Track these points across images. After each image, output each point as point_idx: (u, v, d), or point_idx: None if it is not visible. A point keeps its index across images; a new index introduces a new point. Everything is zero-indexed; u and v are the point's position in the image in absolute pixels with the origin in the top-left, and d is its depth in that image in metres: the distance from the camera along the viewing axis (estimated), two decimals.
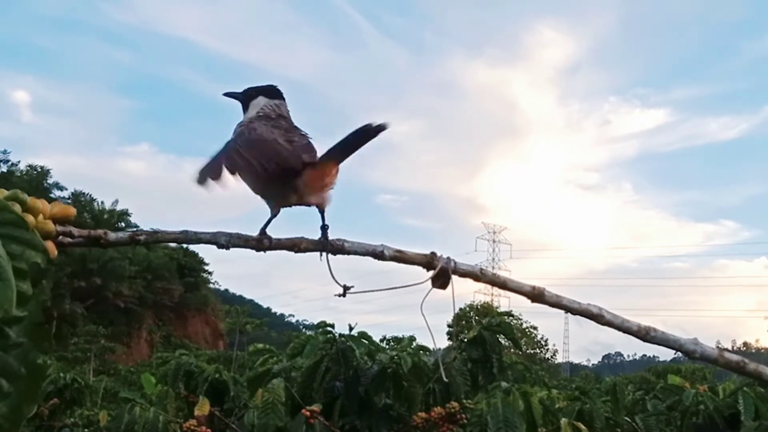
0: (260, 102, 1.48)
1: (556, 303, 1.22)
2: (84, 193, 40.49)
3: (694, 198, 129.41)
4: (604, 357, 78.66)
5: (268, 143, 1.25)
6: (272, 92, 1.51)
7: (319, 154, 1.26)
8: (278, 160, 1.19)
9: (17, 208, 0.88)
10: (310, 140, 1.34)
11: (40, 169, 38.18)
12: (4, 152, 37.45)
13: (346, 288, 1.22)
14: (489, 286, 1.29)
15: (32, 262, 0.78)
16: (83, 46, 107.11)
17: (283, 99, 1.51)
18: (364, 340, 3.17)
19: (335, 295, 1.21)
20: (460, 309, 36.90)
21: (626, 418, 3.30)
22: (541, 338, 43.95)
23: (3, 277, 0.73)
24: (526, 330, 41.91)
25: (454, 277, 1.23)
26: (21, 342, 0.79)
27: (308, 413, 2.79)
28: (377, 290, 1.31)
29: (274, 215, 1.28)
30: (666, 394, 3.48)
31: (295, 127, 1.42)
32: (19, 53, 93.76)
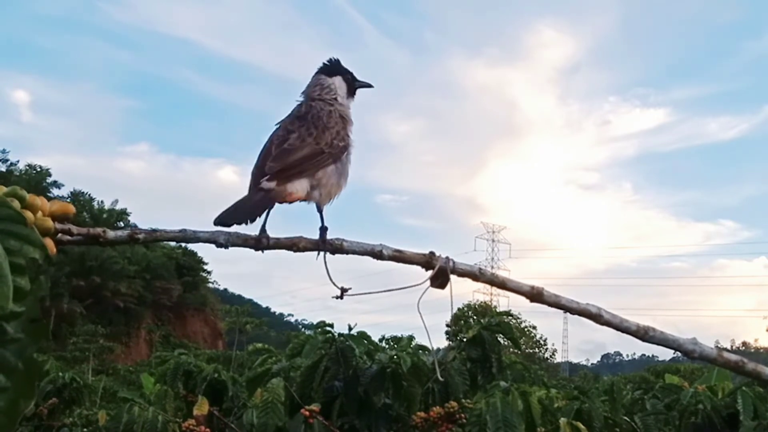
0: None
1: (555, 303, 1.21)
2: (83, 193, 40.41)
3: (693, 198, 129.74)
4: (603, 356, 78.69)
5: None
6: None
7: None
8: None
9: (16, 204, 0.88)
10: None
11: (39, 169, 38.12)
12: (3, 151, 37.38)
13: (343, 290, 1.22)
14: (488, 286, 1.28)
15: (30, 258, 0.78)
16: (83, 46, 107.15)
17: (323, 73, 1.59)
18: (364, 340, 3.17)
19: (333, 297, 1.21)
20: (459, 309, 36.92)
21: (625, 418, 3.30)
22: (540, 338, 43.89)
23: (0, 273, 0.73)
24: (525, 329, 41.83)
25: (453, 277, 1.23)
26: (18, 337, 0.79)
27: (307, 413, 2.79)
28: (375, 292, 1.30)
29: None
30: (664, 394, 3.47)
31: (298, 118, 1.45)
32: (19, 53, 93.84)
